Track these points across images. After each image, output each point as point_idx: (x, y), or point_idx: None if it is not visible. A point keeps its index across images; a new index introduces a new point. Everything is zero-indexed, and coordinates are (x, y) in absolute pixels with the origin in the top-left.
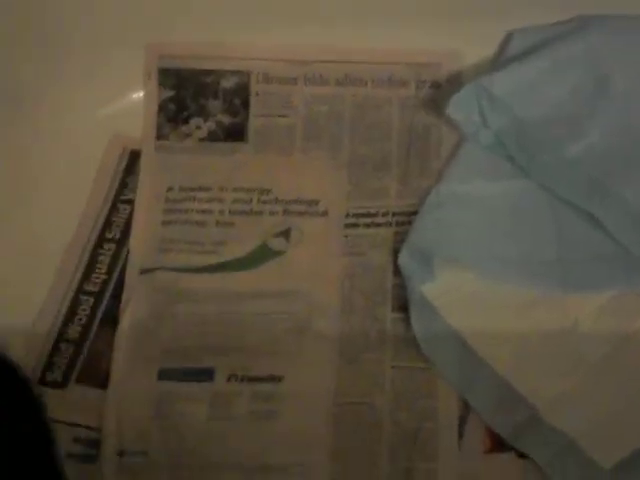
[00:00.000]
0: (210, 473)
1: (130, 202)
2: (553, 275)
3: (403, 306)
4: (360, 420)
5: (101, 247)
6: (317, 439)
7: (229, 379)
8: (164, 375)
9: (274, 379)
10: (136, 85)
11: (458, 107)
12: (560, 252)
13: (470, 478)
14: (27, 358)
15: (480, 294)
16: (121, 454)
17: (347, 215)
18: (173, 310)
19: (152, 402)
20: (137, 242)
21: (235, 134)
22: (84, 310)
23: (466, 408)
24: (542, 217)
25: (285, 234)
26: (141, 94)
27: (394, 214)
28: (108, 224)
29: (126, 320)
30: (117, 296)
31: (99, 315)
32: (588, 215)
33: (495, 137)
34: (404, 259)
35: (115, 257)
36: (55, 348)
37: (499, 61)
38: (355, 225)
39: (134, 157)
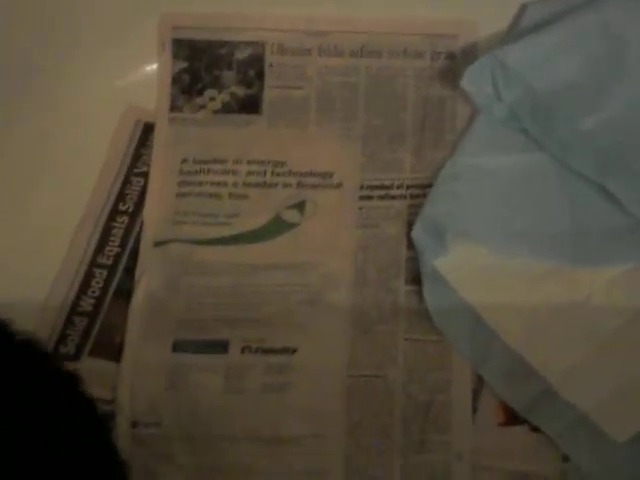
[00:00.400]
0: (223, 444)
1: (143, 175)
2: (566, 248)
3: (417, 279)
4: (373, 392)
5: (114, 220)
6: (330, 411)
7: (243, 351)
8: (178, 347)
9: (288, 351)
10: (150, 57)
11: (472, 79)
12: (573, 225)
13: (484, 450)
14: (40, 331)
15: (492, 268)
16: (134, 425)
17: (361, 187)
18: (187, 282)
19: (166, 374)
20: (151, 214)
21: (249, 106)
22: (97, 283)
23: (480, 382)
24: (555, 190)
25: (299, 206)
26: (155, 66)
27: (408, 187)
28: (121, 197)
29: (140, 292)
30: (130, 269)
31: (112, 288)
32: (601, 188)
33: (509, 110)
34: (417, 233)
35: (128, 230)
36: (68, 321)
37: (513, 33)
38: (369, 197)
39: (148, 129)
